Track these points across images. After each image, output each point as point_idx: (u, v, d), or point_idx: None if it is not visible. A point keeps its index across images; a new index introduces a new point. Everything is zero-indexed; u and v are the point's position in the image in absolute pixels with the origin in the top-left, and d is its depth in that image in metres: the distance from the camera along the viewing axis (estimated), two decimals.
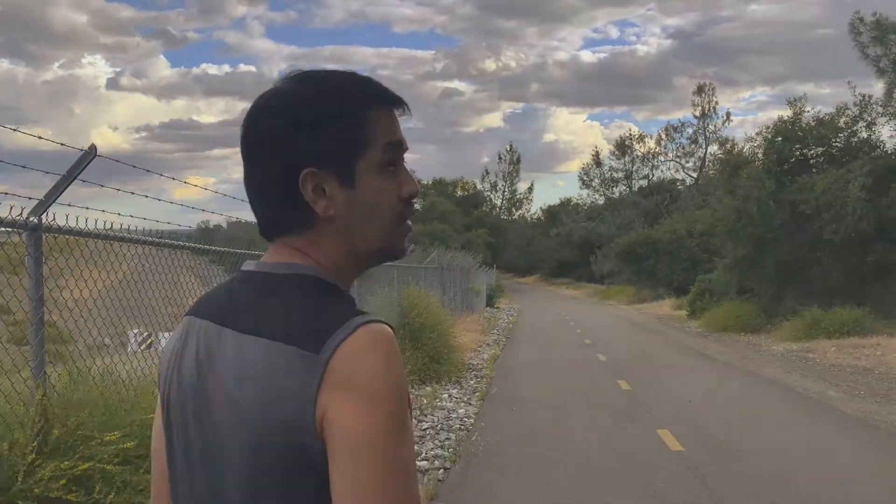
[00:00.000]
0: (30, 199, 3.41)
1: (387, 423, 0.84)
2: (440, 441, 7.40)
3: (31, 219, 3.33)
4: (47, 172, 3.31)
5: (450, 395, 10.29)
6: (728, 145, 59.03)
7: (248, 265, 1.03)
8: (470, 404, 9.64)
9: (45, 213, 3.40)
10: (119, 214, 3.82)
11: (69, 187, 3.47)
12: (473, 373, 12.52)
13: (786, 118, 20.85)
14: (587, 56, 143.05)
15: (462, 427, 8.11)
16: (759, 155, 20.87)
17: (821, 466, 6.12)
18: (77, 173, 3.43)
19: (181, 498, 1.01)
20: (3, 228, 3.26)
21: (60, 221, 3.51)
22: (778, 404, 9.13)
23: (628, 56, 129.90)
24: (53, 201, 3.42)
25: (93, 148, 3.45)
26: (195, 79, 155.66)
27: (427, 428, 7.94)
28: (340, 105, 0.97)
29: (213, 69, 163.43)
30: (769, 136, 20.70)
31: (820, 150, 20.71)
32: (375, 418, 0.84)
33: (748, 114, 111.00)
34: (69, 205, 3.57)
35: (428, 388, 10.76)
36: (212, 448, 0.95)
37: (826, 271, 19.85)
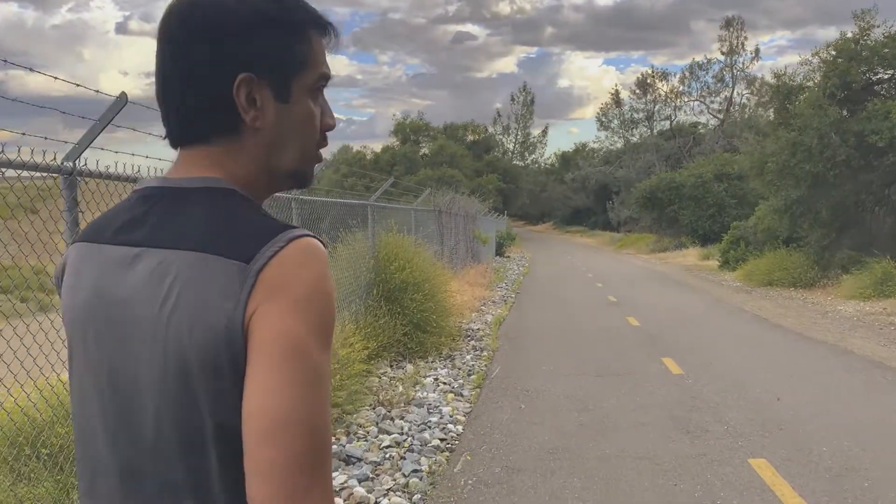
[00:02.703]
0: (45, 138, 3.27)
1: (315, 332, 0.82)
2: (405, 474, 4.66)
3: (65, 163, 3.34)
4: (72, 115, 3.33)
5: (436, 380, 7.56)
6: (758, 85, 55.27)
7: (150, 182, 0.94)
8: (461, 396, 6.90)
9: (78, 158, 3.40)
10: (147, 157, 3.62)
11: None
12: (472, 342, 9.77)
13: (849, 35, 17.57)
14: None
15: (444, 444, 5.37)
16: (817, 78, 17.63)
17: None
18: (109, 120, 3.45)
19: (97, 434, 0.93)
20: (38, 174, 3.27)
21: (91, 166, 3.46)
22: None
23: None
24: (87, 146, 3.45)
25: (123, 96, 3.43)
26: None
27: (389, 446, 5.22)
28: (289, 17, 0.92)
29: None
30: (829, 57, 17.43)
31: (890, 73, 17.48)
32: (304, 326, 0.81)
33: (768, 59, 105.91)
34: (101, 149, 3.52)
35: (409, 367, 8.04)
36: (127, 377, 0.88)
37: (893, 216, 16.88)
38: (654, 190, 37.50)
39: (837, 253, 17.51)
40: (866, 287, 14.22)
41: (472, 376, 7.70)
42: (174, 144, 0.94)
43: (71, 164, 3.33)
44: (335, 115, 0.98)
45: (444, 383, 7.48)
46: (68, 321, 0.95)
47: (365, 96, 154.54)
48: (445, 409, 6.32)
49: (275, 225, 0.86)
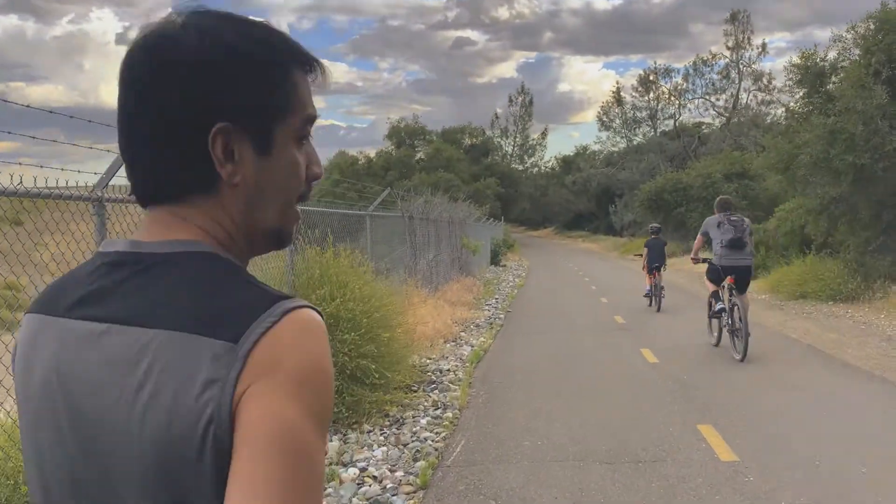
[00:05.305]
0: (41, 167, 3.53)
1: (310, 417, 0.70)
2: None
3: (96, 192, 3.78)
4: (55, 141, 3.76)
5: (362, 472, 5.00)
6: (765, 80, 52.65)
7: (116, 244, 0.82)
8: (394, 498, 4.34)
9: (105, 188, 3.86)
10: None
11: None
12: (435, 393, 7.23)
13: (891, 5, 15.06)
14: (601, 2, 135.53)
15: None
16: (854, 55, 15.09)
17: None
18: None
19: None
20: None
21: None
22: None
23: (643, 2, 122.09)
24: (112, 177, 3.85)
25: None
26: None
27: None
28: (269, 57, 0.81)
29: None
30: (869, 31, 14.90)
31: None
32: (297, 409, 0.70)
33: (766, 60, 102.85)
34: (95, 173, 3.77)
35: (331, 445, 5.48)
36: (96, 472, 0.76)
37: None
38: (660, 191, 35.30)
39: (881, 259, 14.95)
40: None
41: (420, 463, 5.14)
42: (143, 203, 0.83)
43: (99, 192, 3.74)
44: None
45: (374, 478, 4.92)
46: (22, 401, 0.84)
47: (365, 103, 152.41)
48: None
49: (265, 295, 0.74)
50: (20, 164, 3.31)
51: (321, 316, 0.76)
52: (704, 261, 9.11)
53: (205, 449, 0.70)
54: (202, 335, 0.71)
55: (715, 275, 8.78)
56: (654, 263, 13.93)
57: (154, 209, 0.81)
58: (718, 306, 8.80)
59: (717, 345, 9.22)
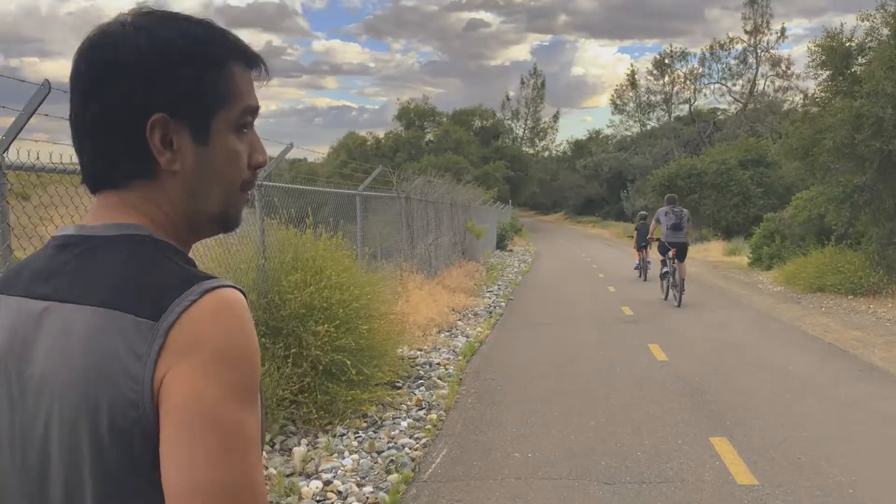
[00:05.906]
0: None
1: (232, 391, 0.73)
2: None
3: None
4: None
5: (326, 485, 4.39)
6: (783, 66, 51.46)
7: (66, 229, 0.89)
8: None
9: (7, 151, 3.34)
10: None
11: (43, 123, 3.01)
12: (421, 389, 6.60)
13: None
14: None
15: None
16: (885, 36, 14.22)
17: None
18: (33, 110, 3.36)
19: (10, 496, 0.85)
20: None
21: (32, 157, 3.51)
22: None
23: None
24: (14, 138, 3.38)
25: (46, 84, 3.36)
26: (217, 10, 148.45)
27: None
28: (204, 52, 0.85)
29: (234, 0, 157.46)
30: None
31: None
32: (218, 386, 0.73)
33: (783, 47, 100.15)
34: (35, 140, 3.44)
35: (299, 451, 4.85)
36: (37, 444, 0.80)
37: None
38: (673, 177, 34.51)
39: None
40: None
41: (393, 476, 4.51)
42: (92, 190, 0.87)
43: None
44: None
45: (338, 493, 4.30)
46: None
47: (377, 84, 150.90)
48: None
49: (188, 275, 0.78)
50: None
51: (244, 295, 0.78)
52: (657, 240, 13.00)
53: (130, 422, 0.72)
54: (125, 311, 0.74)
55: (662, 248, 12.60)
56: (642, 243, 16.91)
57: (102, 195, 0.85)
58: (664, 270, 12.92)
59: (665, 298, 12.90)
